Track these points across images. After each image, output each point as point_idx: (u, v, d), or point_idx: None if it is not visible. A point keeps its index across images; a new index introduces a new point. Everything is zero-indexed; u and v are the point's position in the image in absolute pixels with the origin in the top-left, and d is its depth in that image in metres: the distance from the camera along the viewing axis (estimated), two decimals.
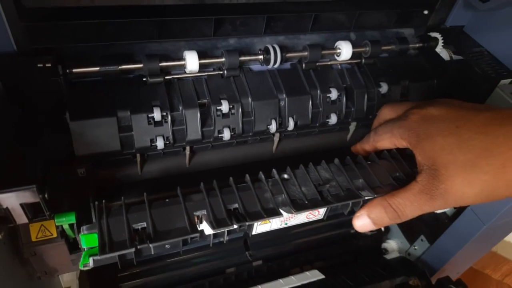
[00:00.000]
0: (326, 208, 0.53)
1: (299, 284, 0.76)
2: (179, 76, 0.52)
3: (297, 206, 0.46)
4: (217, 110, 0.51)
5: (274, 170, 0.49)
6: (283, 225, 0.54)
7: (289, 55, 0.55)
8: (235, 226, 0.45)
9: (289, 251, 0.86)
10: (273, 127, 0.53)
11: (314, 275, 0.79)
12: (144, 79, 0.50)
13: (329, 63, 0.59)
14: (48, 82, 0.45)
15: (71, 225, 0.42)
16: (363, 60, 0.59)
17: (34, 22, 0.44)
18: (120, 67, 0.48)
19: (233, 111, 0.51)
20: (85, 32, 0.47)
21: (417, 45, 0.63)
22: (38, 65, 0.44)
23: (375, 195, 0.48)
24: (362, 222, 0.47)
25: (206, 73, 0.53)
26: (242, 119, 0.52)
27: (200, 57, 0.50)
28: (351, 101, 0.57)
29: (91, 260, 0.38)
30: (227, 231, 0.48)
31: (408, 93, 0.60)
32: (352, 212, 0.86)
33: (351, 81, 0.57)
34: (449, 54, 0.63)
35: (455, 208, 0.73)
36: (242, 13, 0.53)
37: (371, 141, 0.52)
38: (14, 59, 0.45)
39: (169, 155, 0.53)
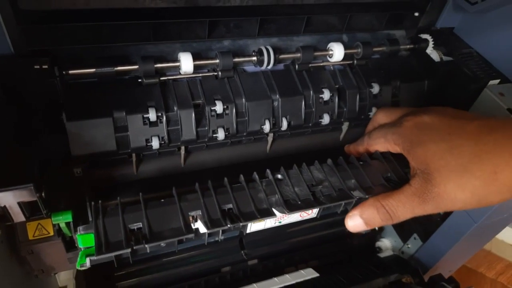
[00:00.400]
0: (319, 208, 0.54)
1: (293, 282, 0.77)
2: (174, 77, 0.52)
3: (290, 207, 0.46)
4: (211, 110, 0.51)
5: (268, 171, 0.50)
6: (277, 224, 0.55)
7: (282, 56, 0.56)
8: (230, 226, 0.45)
9: (284, 250, 0.86)
10: (266, 127, 0.54)
11: (309, 274, 0.80)
12: (140, 80, 0.51)
13: (321, 64, 0.60)
14: (44, 83, 0.45)
15: (67, 224, 0.43)
16: (355, 61, 0.60)
17: (31, 24, 0.45)
18: (115, 69, 0.49)
19: (227, 111, 0.52)
20: (81, 34, 0.48)
21: (408, 46, 0.64)
22: (35, 67, 0.45)
23: (367, 196, 0.49)
24: (354, 222, 0.48)
25: (200, 74, 0.53)
26: (236, 119, 0.53)
27: (194, 59, 0.51)
28: (344, 102, 0.58)
29: (88, 260, 0.39)
30: (222, 230, 0.49)
31: (399, 93, 0.61)
32: (345, 211, 0.87)
33: (343, 82, 0.58)
34: (439, 55, 0.65)
35: None
36: (235, 15, 0.54)
37: (365, 144, 0.53)
38: (11, 60, 0.46)
39: (164, 155, 0.54)
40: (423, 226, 0.82)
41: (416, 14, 0.65)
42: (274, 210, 0.46)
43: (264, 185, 0.48)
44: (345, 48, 0.58)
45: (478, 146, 0.40)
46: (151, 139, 0.49)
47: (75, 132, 0.45)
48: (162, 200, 0.44)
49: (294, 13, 0.57)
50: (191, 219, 0.43)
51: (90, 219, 0.42)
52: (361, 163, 0.53)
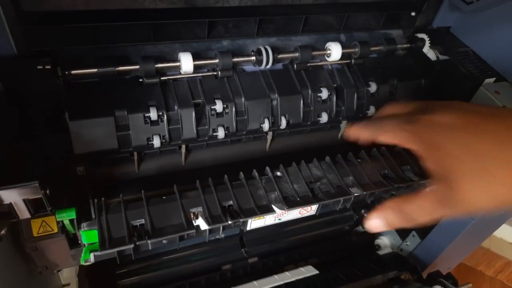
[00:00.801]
0: (318, 204, 0.55)
1: (293, 279, 0.78)
2: (174, 77, 0.53)
3: (290, 203, 0.47)
4: (211, 109, 0.52)
5: (267, 168, 0.51)
6: (277, 221, 0.56)
7: (280, 56, 0.57)
8: (230, 223, 0.46)
9: (284, 247, 0.87)
10: (266, 125, 0.55)
11: (309, 271, 0.81)
12: (140, 80, 0.51)
13: (319, 63, 0.60)
14: (47, 83, 0.46)
15: (71, 221, 0.43)
16: (352, 61, 0.61)
17: (33, 25, 0.46)
18: (117, 69, 0.50)
19: (227, 110, 0.53)
20: (82, 35, 0.49)
21: (404, 45, 0.65)
22: (38, 67, 0.45)
23: (364, 192, 0.50)
24: (374, 225, 0.47)
25: (200, 74, 0.54)
26: (235, 118, 0.53)
27: (194, 59, 0.52)
28: (341, 100, 0.59)
29: (92, 255, 0.40)
30: (222, 227, 0.50)
31: (396, 92, 0.61)
32: (344, 208, 0.88)
33: (341, 81, 0.59)
34: (435, 54, 0.65)
35: None
36: (234, 15, 0.55)
37: (370, 131, 0.49)
38: (14, 61, 0.47)
39: (165, 153, 0.55)
40: None
41: (413, 13, 0.65)
42: (273, 206, 0.47)
43: (264, 182, 0.48)
44: (343, 48, 0.59)
45: (503, 151, 0.38)
46: (152, 138, 0.50)
47: (78, 131, 0.46)
48: (164, 197, 0.45)
49: (292, 13, 0.58)
50: (192, 215, 0.44)
51: (93, 216, 0.43)
52: (359, 160, 0.54)
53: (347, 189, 0.49)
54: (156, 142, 0.50)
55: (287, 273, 0.80)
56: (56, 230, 0.44)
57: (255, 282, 0.77)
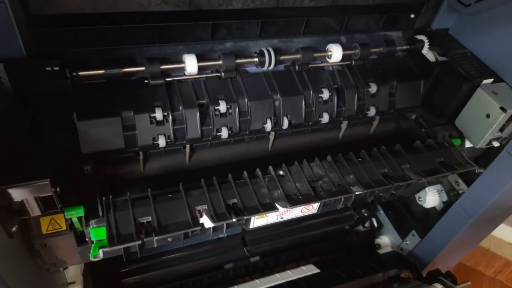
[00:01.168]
0: (319, 203, 0.56)
1: (295, 278, 0.79)
2: (179, 78, 0.54)
3: (292, 201, 0.49)
4: (215, 110, 0.53)
5: (270, 167, 0.52)
6: (279, 219, 0.57)
7: (282, 57, 0.58)
8: (234, 220, 0.47)
9: (285, 247, 0.88)
10: (268, 125, 0.56)
11: (310, 270, 0.82)
12: (146, 81, 0.53)
13: (320, 65, 0.62)
14: (55, 84, 0.47)
15: (79, 218, 0.45)
16: (353, 62, 0.62)
17: (42, 28, 0.47)
18: (123, 70, 0.51)
19: (230, 111, 0.54)
20: (90, 37, 0.50)
21: (404, 47, 0.66)
22: (47, 68, 0.47)
23: (365, 190, 0.51)
24: None
25: (204, 75, 0.56)
26: (239, 118, 0.55)
27: (198, 60, 0.53)
28: (342, 101, 0.60)
29: (101, 251, 0.41)
30: (226, 224, 0.51)
31: (395, 93, 0.63)
32: (345, 208, 0.89)
33: (342, 82, 0.60)
34: (434, 55, 0.67)
35: (443, 202, 0.76)
36: (237, 18, 0.56)
37: None
38: (23, 63, 0.48)
39: (170, 153, 0.56)
40: (421, 223, 0.84)
41: (412, 16, 0.67)
42: (276, 204, 0.48)
43: (267, 181, 0.50)
44: (344, 49, 0.60)
45: None
46: (158, 138, 0.51)
47: (86, 131, 0.47)
48: (170, 195, 0.46)
49: (294, 15, 0.59)
50: (197, 213, 0.45)
51: (101, 214, 0.45)
52: (360, 159, 0.55)
53: (348, 187, 0.50)
54: (162, 141, 0.51)
55: (288, 271, 0.81)
56: (64, 228, 0.46)
57: (257, 281, 0.78)
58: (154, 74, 0.52)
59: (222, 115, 0.54)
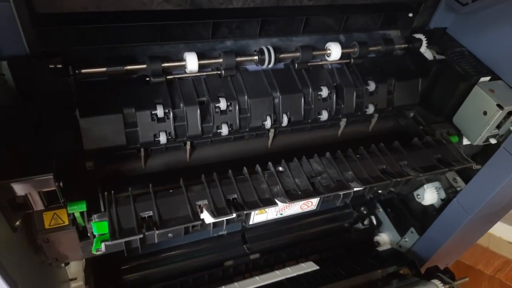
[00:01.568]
0: (318, 199, 0.56)
1: (294, 274, 0.80)
2: (180, 76, 0.55)
3: (291, 196, 0.49)
4: (215, 107, 0.54)
5: (269, 163, 0.53)
6: (279, 215, 0.58)
7: (282, 55, 0.59)
8: (234, 215, 0.48)
9: (285, 244, 0.89)
10: (268, 123, 0.57)
11: (309, 266, 0.82)
12: (147, 79, 0.53)
13: (320, 63, 0.62)
14: (59, 82, 0.48)
15: (81, 213, 0.45)
16: (352, 60, 0.63)
17: (46, 27, 0.48)
18: (125, 68, 0.52)
19: (230, 108, 0.55)
20: (92, 36, 0.51)
21: (402, 45, 0.67)
22: (50, 66, 0.47)
23: (363, 186, 0.52)
24: None
25: (205, 73, 0.56)
26: (239, 115, 0.55)
27: (199, 58, 0.54)
28: (341, 99, 0.61)
29: (103, 245, 0.42)
30: (226, 220, 0.51)
31: (394, 91, 0.63)
32: (344, 205, 0.90)
33: (340, 80, 0.61)
34: (432, 54, 0.67)
35: (442, 200, 0.77)
36: (237, 17, 0.57)
37: None
38: (27, 61, 0.48)
39: (171, 150, 0.56)
40: (419, 220, 0.85)
41: (410, 15, 0.67)
42: (276, 199, 0.48)
43: (266, 177, 0.50)
44: (342, 48, 0.61)
45: None
46: (159, 134, 0.52)
47: (88, 127, 0.48)
48: (171, 191, 0.47)
49: (293, 14, 0.60)
50: (198, 208, 0.46)
51: (103, 209, 0.45)
52: (358, 156, 0.55)
53: (346, 183, 0.51)
54: (163, 138, 0.52)
55: (288, 268, 0.82)
56: (67, 223, 0.46)
57: (257, 278, 0.79)
58: (156, 72, 0.53)
59: (223, 112, 0.55)
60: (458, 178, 0.74)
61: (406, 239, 0.89)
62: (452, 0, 0.63)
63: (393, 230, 0.93)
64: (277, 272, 0.80)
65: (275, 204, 0.48)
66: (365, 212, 0.96)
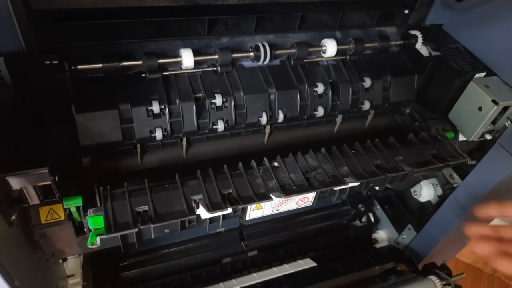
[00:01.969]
0: (314, 195, 0.57)
1: (292, 271, 0.80)
2: (176, 72, 0.55)
3: (286, 191, 0.50)
4: (211, 103, 0.54)
5: (265, 159, 0.53)
6: (275, 211, 0.58)
7: (278, 52, 0.59)
8: (229, 210, 0.48)
9: (283, 241, 0.89)
10: (264, 119, 0.57)
11: (307, 263, 0.83)
12: (143, 75, 0.54)
13: (315, 59, 0.63)
14: (55, 78, 0.48)
15: (78, 208, 0.45)
16: (347, 57, 0.63)
17: (42, 23, 0.48)
18: (121, 64, 0.52)
19: (226, 104, 0.55)
20: (88, 32, 0.51)
21: (398, 42, 0.67)
22: (46, 62, 0.48)
23: (358, 181, 0.52)
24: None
25: (201, 69, 0.57)
26: (235, 111, 0.55)
27: (195, 55, 0.54)
28: (337, 95, 0.61)
29: (98, 239, 0.42)
30: (222, 216, 0.52)
31: (390, 87, 0.64)
32: (342, 202, 0.90)
33: (336, 76, 0.61)
34: (428, 50, 0.68)
35: (438, 196, 0.77)
36: (233, 13, 0.57)
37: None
38: (23, 57, 0.49)
39: (167, 146, 0.57)
40: (416, 217, 0.85)
41: (406, 11, 0.68)
42: (271, 194, 0.49)
43: (262, 172, 0.51)
44: (338, 44, 0.61)
45: None
46: (155, 130, 0.52)
47: (84, 123, 0.48)
48: (166, 186, 0.47)
49: (289, 11, 0.60)
50: (193, 203, 0.46)
51: (99, 204, 0.46)
52: (353, 151, 0.56)
53: (341, 178, 0.51)
54: (159, 134, 0.52)
55: (285, 265, 0.82)
56: (63, 218, 0.46)
57: (254, 274, 0.79)
58: (152, 68, 0.53)
59: (218, 108, 0.55)
60: (455, 175, 0.74)
61: (404, 236, 0.89)
62: None
63: (390, 227, 0.93)
64: (274, 269, 0.81)
65: (270, 198, 0.48)
66: (362, 209, 0.96)
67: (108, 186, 0.45)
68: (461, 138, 0.66)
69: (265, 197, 0.48)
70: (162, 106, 0.52)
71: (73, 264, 0.67)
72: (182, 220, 0.45)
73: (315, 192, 0.55)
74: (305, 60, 0.61)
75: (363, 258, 0.84)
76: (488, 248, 0.52)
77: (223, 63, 0.56)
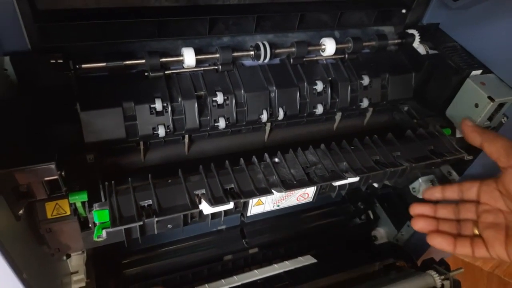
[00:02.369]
0: (314, 191, 0.58)
1: (292, 267, 0.81)
2: (178, 71, 0.56)
3: (287, 186, 0.51)
4: (213, 101, 0.55)
5: (266, 154, 0.54)
6: (276, 207, 0.59)
7: (278, 51, 0.60)
8: (231, 205, 0.49)
9: (283, 239, 0.90)
10: (264, 116, 0.58)
11: (307, 260, 0.84)
12: (146, 73, 0.55)
13: (315, 58, 0.64)
14: (59, 76, 0.49)
15: (83, 204, 0.46)
16: (346, 55, 0.64)
17: (47, 23, 0.49)
18: (124, 63, 0.53)
19: (227, 102, 0.56)
20: (92, 32, 0.52)
21: (396, 41, 0.68)
22: (51, 61, 0.49)
23: (357, 176, 0.53)
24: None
25: (202, 68, 0.58)
26: (236, 109, 0.57)
27: (196, 54, 0.55)
28: (336, 93, 0.62)
29: (104, 232, 0.43)
30: (224, 211, 0.53)
31: (388, 85, 0.65)
32: (342, 200, 0.90)
33: (335, 75, 0.63)
34: (425, 49, 0.69)
35: None
36: (234, 13, 0.58)
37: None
38: (28, 56, 0.50)
39: (170, 143, 0.58)
40: None
41: (403, 11, 0.69)
42: (272, 189, 0.50)
43: (263, 167, 0.52)
44: (337, 43, 0.63)
45: None
46: (158, 128, 0.53)
47: (88, 121, 0.49)
48: (169, 181, 0.48)
49: (289, 10, 0.61)
50: (196, 198, 0.47)
51: (103, 200, 0.47)
52: (352, 147, 0.57)
53: (340, 173, 0.52)
54: (161, 131, 0.53)
55: (286, 262, 0.83)
56: (68, 213, 0.47)
57: (256, 271, 0.80)
58: (154, 66, 0.54)
59: (220, 106, 0.56)
60: (453, 171, 0.75)
61: (403, 233, 0.90)
62: None
63: (389, 224, 0.94)
64: (275, 265, 0.82)
65: (271, 192, 0.49)
66: (362, 207, 0.97)
67: (113, 182, 0.46)
68: (458, 134, 0.68)
69: (267, 191, 0.49)
70: (165, 104, 0.53)
71: (76, 261, 0.68)
72: (185, 214, 0.46)
73: (315, 188, 0.56)
74: (304, 59, 0.62)
75: (363, 254, 0.85)
76: (424, 225, 0.58)
77: (224, 61, 0.57)
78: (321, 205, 0.93)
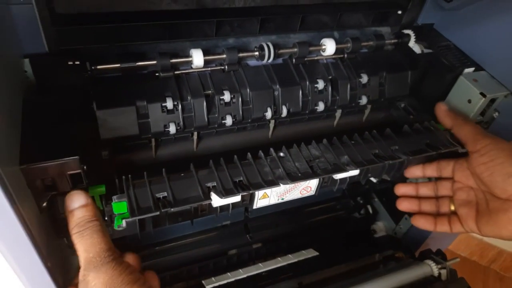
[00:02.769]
0: (317, 184, 0.61)
1: (295, 260, 0.84)
2: (187, 71, 0.59)
3: (292, 178, 0.54)
4: (220, 99, 0.58)
5: (271, 149, 0.57)
6: (280, 200, 0.62)
7: (281, 51, 0.63)
8: (239, 197, 0.52)
9: (286, 234, 0.93)
10: (268, 114, 0.61)
11: (309, 253, 0.87)
12: (157, 74, 0.58)
13: (315, 58, 0.67)
14: (76, 77, 0.52)
15: (100, 197, 0.49)
16: (345, 55, 0.67)
17: (64, 26, 0.52)
18: (136, 64, 0.56)
19: (234, 100, 0.59)
20: (106, 34, 0.55)
21: (392, 41, 0.71)
22: (69, 63, 0.52)
23: (358, 168, 0.56)
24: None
25: (209, 68, 0.61)
26: (242, 107, 0.60)
27: (204, 54, 0.58)
28: (336, 91, 0.65)
29: (124, 221, 0.46)
30: (232, 204, 0.56)
31: (385, 83, 0.68)
32: (342, 195, 0.93)
33: (335, 73, 0.66)
34: (420, 48, 0.72)
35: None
36: (239, 15, 0.61)
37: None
38: (46, 58, 0.53)
39: (179, 140, 0.61)
40: None
41: (399, 12, 0.72)
42: (278, 181, 0.53)
43: (269, 161, 0.55)
44: (337, 44, 0.66)
45: None
46: (169, 125, 0.56)
47: (104, 118, 0.52)
48: (182, 174, 0.51)
49: (291, 13, 0.65)
50: (207, 190, 0.50)
51: (119, 193, 0.49)
52: (353, 142, 0.60)
53: (342, 166, 0.55)
54: (172, 128, 0.56)
55: (289, 255, 0.86)
56: None
57: (260, 264, 0.83)
58: (165, 67, 0.57)
59: (227, 104, 0.59)
60: None
61: (401, 226, 0.93)
62: None
63: (388, 218, 0.97)
64: (279, 258, 0.85)
65: (277, 184, 0.52)
66: (361, 202, 1.00)
67: (129, 176, 0.49)
68: None
69: (273, 183, 0.52)
70: (175, 103, 0.55)
71: None
72: (198, 205, 0.49)
73: (317, 181, 0.59)
74: (306, 59, 0.65)
75: (363, 247, 0.89)
76: (407, 205, 0.64)
77: (230, 62, 0.60)
78: (322, 200, 0.96)
